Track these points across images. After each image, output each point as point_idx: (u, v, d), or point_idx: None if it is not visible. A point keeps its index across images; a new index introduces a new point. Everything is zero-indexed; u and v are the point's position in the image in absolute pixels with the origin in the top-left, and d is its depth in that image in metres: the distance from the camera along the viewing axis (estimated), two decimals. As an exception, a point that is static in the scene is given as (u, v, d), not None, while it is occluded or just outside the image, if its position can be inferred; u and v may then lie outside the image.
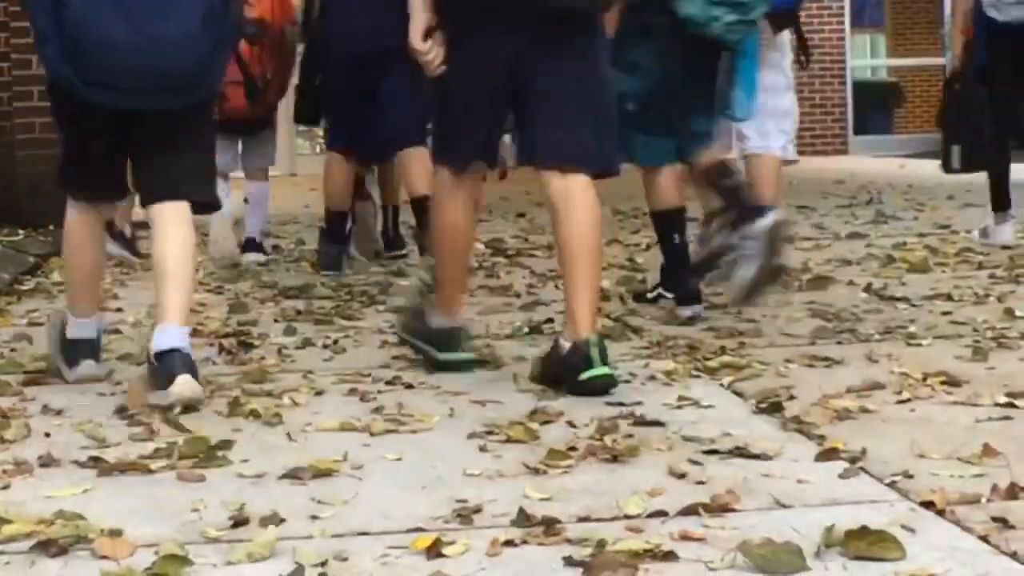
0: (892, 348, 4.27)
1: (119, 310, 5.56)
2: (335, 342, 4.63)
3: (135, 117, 3.82)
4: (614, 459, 3.04)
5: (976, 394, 3.59)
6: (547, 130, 3.93)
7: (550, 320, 4.88)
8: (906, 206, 9.43)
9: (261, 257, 7.13)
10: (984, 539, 2.45)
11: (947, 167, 7.28)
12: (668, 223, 5.08)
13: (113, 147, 3.92)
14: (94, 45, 3.61)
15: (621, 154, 4.34)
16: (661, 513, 2.63)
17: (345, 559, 2.42)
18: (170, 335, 3.73)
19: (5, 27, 9.50)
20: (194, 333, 4.83)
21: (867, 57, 19.73)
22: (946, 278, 5.83)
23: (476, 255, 6.98)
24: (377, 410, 3.61)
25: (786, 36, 5.88)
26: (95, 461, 3.12)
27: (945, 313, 4.92)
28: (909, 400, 3.57)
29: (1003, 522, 2.51)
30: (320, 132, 9.79)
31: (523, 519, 2.59)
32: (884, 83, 19.85)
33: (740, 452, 3.07)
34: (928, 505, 2.64)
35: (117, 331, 5.01)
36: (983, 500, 2.66)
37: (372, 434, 3.36)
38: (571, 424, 3.39)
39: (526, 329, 4.77)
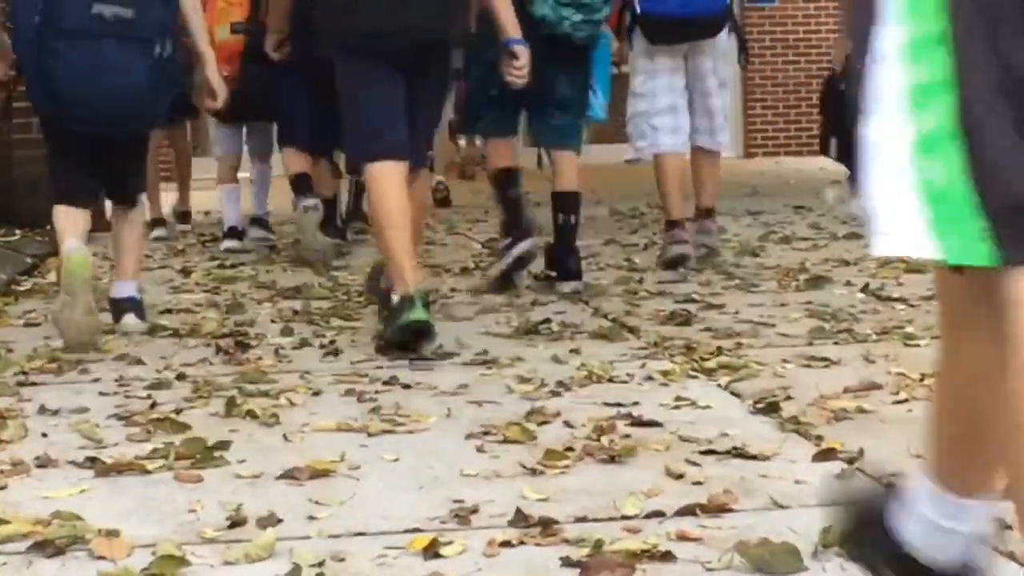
0: (889, 348, 4.28)
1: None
2: (332, 342, 4.63)
3: (103, 140, 4.94)
4: (611, 459, 3.04)
5: (973, 394, 3.58)
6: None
7: (547, 320, 4.88)
8: (903, 206, 9.41)
9: (268, 233, 7.67)
10: (981, 539, 2.44)
11: (824, 151, 8.81)
12: (506, 185, 5.75)
13: (88, 161, 4.98)
14: (68, 93, 4.72)
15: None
16: (658, 513, 2.63)
17: (342, 559, 2.42)
18: (126, 287, 5.12)
19: (3, 27, 9.49)
20: (191, 333, 4.87)
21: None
22: (943, 278, 5.82)
23: (473, 255, 7.01)
24: (374, 410, 3.61)
25: (722, 40, 6.33)
26: (92, 461, 3.12)
27: (942, 313, 4.91)
28: (906, 400, 3.57)
29: (1001, 522, 2.50)
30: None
31: (520, 519, 2.59)
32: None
33: (737, 452, 3.07)
34: (925, 505, 2.64)
35: (113, 331, 5.00)
36: (980, 500, 2.65)
37: (369, 434, 3.36)
38: (568, 424, 3.39)
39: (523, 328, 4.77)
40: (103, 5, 4.69)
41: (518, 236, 5.71)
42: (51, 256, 7.60)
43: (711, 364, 4.08)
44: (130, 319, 5.02)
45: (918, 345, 4.34)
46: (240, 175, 8.03)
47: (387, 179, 4.57)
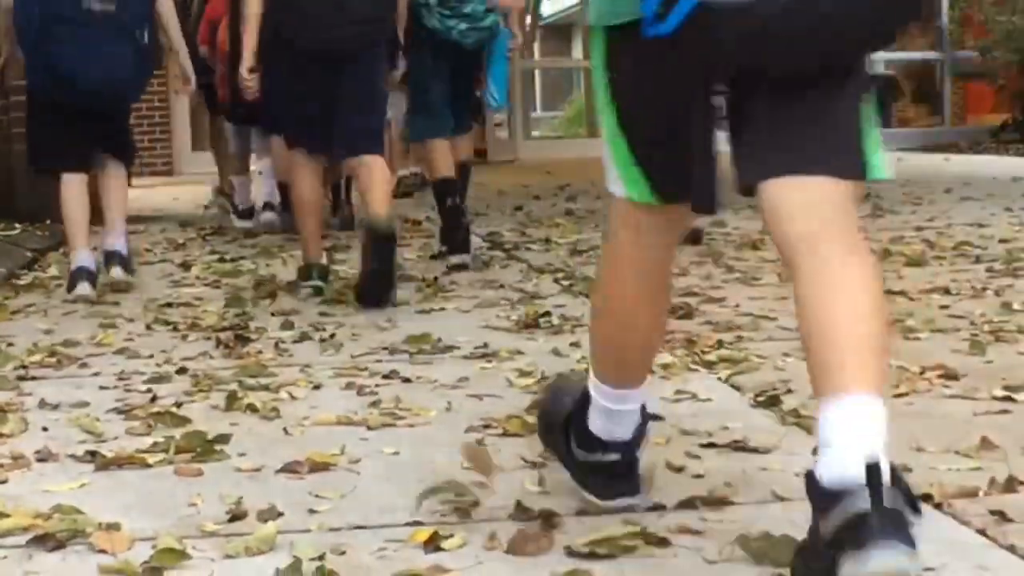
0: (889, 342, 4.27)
1: (116, 304, 5.56)
2: (332, 336, 4.63)
3: (91, 113, 5.81)
4: (612, 453, 3.03)
5: (974, 388, 3.59)
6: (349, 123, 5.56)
7: (547, 314, 4.88)
8: (903, 200, 9.43)
9: (277, 217, 8.25)
10: (982, 532, 2.45)
11: None
12: (443, 189, 6.50)
13: (79, 131, 5.84)
14: (65, 72, 5.63)
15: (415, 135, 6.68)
16: (659, 506, 2.63)
17: (343, 553, 2.42)
18: (113, 240, 5.94)
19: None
20: (191, 327, 4.87)
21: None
22: (943, 272, 5.84)
23: (473, 248, 7.01)
24: (374, 404, 3.61)
25: None
26: (92, 455, 3.12)
27: (943, 307, 4.92)
28: (907, 394, 3.57)
29: (1001, 515, 2.51)
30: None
31: (521, 513, 2.59)
32: (881, 77, 19.82)
33: (738, 445, 3.07)
34: (926, 498, 2.63)
35: (113, 325, 5.01)
36: (981, 493, 2.66)
37: (369, 428, 3.36)
38: (569, 418, 3.38)
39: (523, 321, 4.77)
40: (92, 1, 5.63)
41: (453, 248, 6.41)
42: (51, 250, 7.61)
43: (712, 357, 4.08)
44: (117, 271, 5.87)
45: (918, 338, 4.34)
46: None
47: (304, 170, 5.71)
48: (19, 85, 9.29)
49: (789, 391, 3.60)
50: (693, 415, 3.40)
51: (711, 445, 3.10)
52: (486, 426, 3.31)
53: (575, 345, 4.32)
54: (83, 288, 5.68)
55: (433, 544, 2.44)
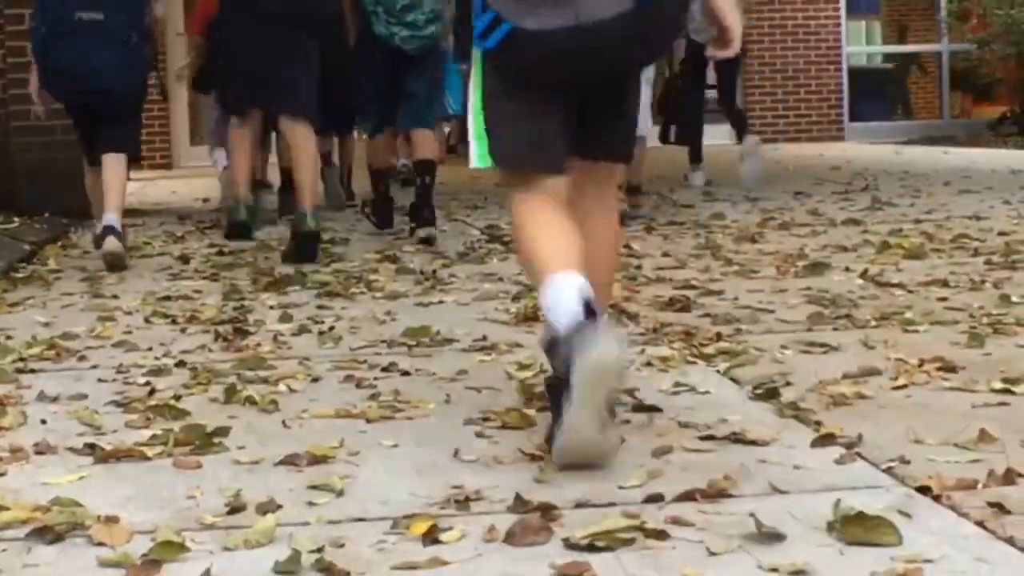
0: (888, 334, 4.28)
1: (115, 297, 5.57)
2: (331, 328, 4.63)
3: (93, 109, 6.82)
4: (610, 445, 3.04)
5: (972, 380, 3.59)
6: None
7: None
8: (902, 192, 9.43)
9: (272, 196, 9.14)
10: (980, 524, 2.45)
11: (664, 139, 10.41)
12: (379, 176, 7.56)
13: (91, 123, 6.92)
14: (64, 74, 6.72)
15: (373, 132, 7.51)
16: (658, 499, 2.63)
17: (342, 545, 2.42)
18: (110, 217, 6.58)
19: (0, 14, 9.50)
20: (190, 320, 4.87)
21: (863, 44, 19.72)
22: (942, 264, 5.84)
23: (472, 241, 7.01)
24: (373, 397, 3.61)
25: None
26: (91, 448, 3.12)
27: (941, 299, 4.92)
28: (905, 386, 3.57)
29: (999, 507, 2.51)
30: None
31: (520, 505, 2.59)
32: (880, 70, 19.83)
33: (737, 438, 3.07)
34: (924, 491, 2.64)
35: (112, 318, 5.01)
36: (979, 486, 2.66)
37: (368, 420, 3.36)
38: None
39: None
40: (82, 12, 6.62)
41: (419, 223, 7.15)
42: (50, 243, 7.61)
43: (710, 350, 4.08)
44: (111, 241, 6.51)
45: (917, 331, 4.34)
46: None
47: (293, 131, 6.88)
48: (19, 79, 9.32)
49: (788, 384, 3.60)
50: (691, 408, 3.40)
51: (709, 438, 3.10)
52: (485, 419, 3.31)
53: (574, 338, 4.31)
54: (110, 243, 6.49)
55: (432, 536, 2.44)
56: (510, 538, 2.43)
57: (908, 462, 2.84)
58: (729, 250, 6.49)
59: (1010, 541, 2.36)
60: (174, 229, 8.34)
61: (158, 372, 4.00)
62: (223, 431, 3.22)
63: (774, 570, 2.24)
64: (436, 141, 7.83)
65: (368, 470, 2.92)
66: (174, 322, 4.89)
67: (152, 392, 3.72)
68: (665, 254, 6.43)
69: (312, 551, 2.36)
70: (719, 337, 4.27)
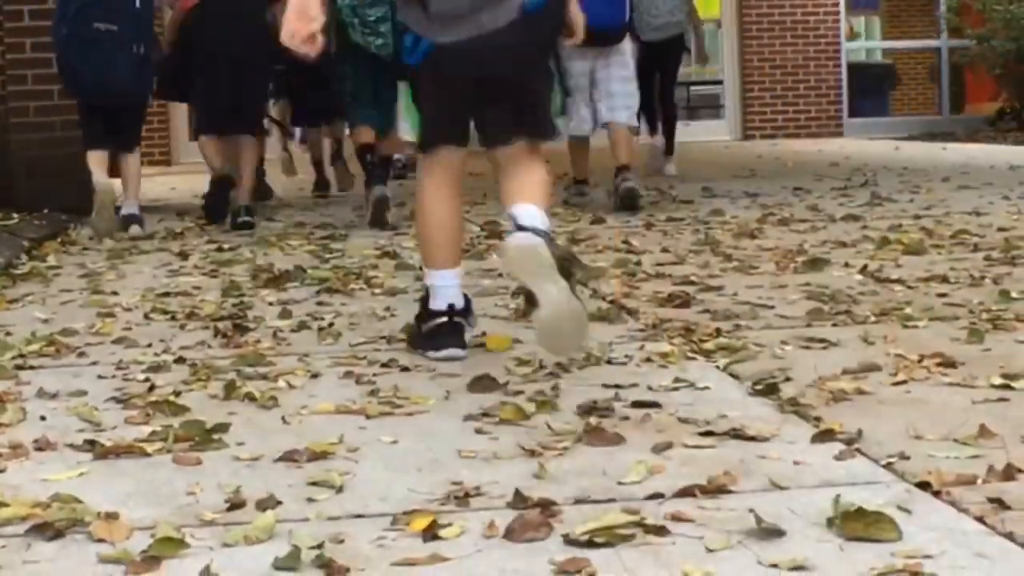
0: (888, 330, 4.27)
1: (115, 293, 5.57)
2: (331, 325, 4.63)
3: (105, 106, 7.99)
4: (610, 441, 3.04)
5: (972, 375, 3.59)
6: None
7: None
8: (901, 188, 9.43)
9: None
10: (980, 520, 2.45)
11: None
12: (364, 153, 8.26)
13: (100, 121, 8.03)
14: (83, 76, 7.83)
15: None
16: (657, 495, 2.63)
17: (341, 541, 2.42)
18: (131, 206, 7.98)
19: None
20: (189, 316, 4.87)
21: (862, 39, 19.72)
22: (941, 260, 5.84)
23: (470, 237, 7.01)
24: (373, 393, 3.61)
25: (627, 43, 8.83)
26: (91, 444, 3.12)
27: (941, 295, 4.92)
28: (905, 382, 3.57)
29: (999, 503, 2.51)
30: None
31: (519, 501, 2.59)
32: (879, 65, 19.84)
33: (736, 434, 3.07)
34: (924, 486, 2.64)
35: (111, 314, 5.01)
36: (979, 481, 2.66)
37: (368, 417, 3.36)
38: (567, 406, 3.38)
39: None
40: (99, 23, 7.69)
41: (368, 183, 8.16)
42: (49, 239, 7.61)
43: (710, 346, 4.08)
44: (135, 228, 7.77)
45: (916, 326, 4.34)
46: None
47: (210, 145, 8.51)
48: (18, 76, 9.33)
49: (787, 379, 3.60)
50: (691, 403, 3.40)
51: (709, 433, 3.10)
52: (485, 414, 3.31)
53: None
54: (134, 231, 7.72)
55: (431, 532, 2.44)
56: (510, 534, 2.43)
57: (908, 458, 2.85)
58: (728, 246, 6.49)
59: (1010, 537, 2.36)
60: (173, 225, 8.34)
61: (157, 368, 4.00)
62: (223, 427, 3.22)
63: (774, 566, 2.25)
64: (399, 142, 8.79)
65: (368, 466, 2.92)
66: (173, 318, 4.89)
67: (151, 388, 3.72)
68: (664, 250, 6.43)
69: (312, 547, 2.36)
70: (719, 333, 4.27)
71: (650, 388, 3.57)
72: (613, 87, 8.62)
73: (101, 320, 4.86)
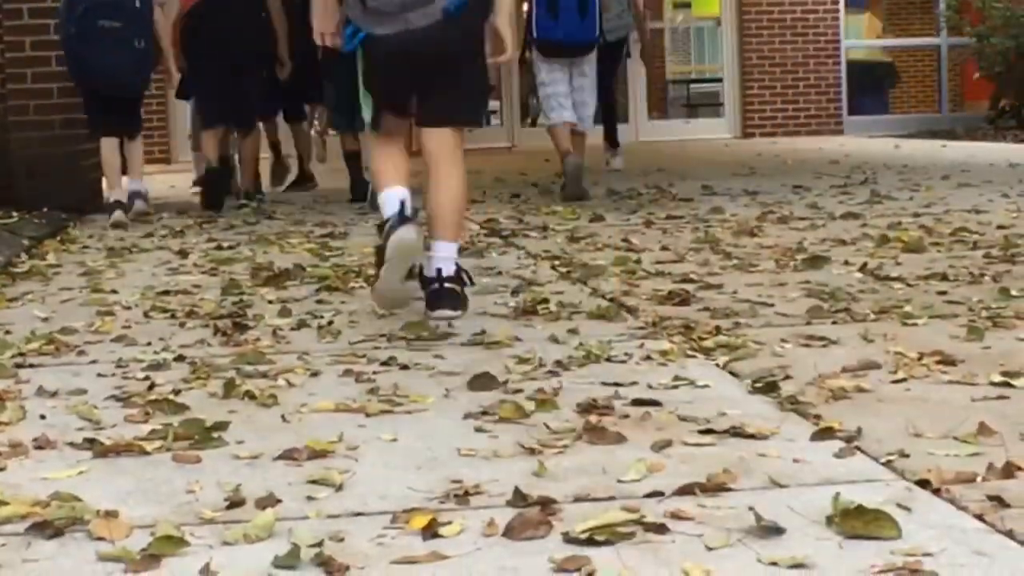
0: (887, 328, 4.28)
1: (114, 291, 5.56)
2: (330, 323, 4.63)
3: (110, 96, 8.60)
4: (610, 439, 3.04)
5: (972, 373, 3.59)
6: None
7: (545, 300, 4.88)
8: (901, 186, 9.43)
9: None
10: (980, 518, 2.45)
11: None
12: (348, 157, 9.36)
13: (109, 110, 8.63)
14: (90, 69, 8.42)
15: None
16: (657, 493, 2.63)
17: (341, 539, 2.42)
18: (135, 184, 8.76)
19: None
20: (189, 314, 4.87)
21: (861, 37, 19.73)
22: (941, 258, 5.84)
23: (470, 235, 7.01)
24: (372, 391, 3.61)
25: (592, 57, 9.55)
26: (90, 443, 3.11)
27: (940, 293, 4.92)
28: (905, 379, 3.57)
29: (999, 501, 2.51)
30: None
31: (519, 499, 2.59)
32: (879, 63, 19.83)
33: (736, 432, 3.07)
34: (924, 484, 2.64)
35: (111, 313, 5.01)
36: (979, 479, 2.66)
37: (368, 415, 3.36)
38: (567, 404, 3.39)
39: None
40: (103, 20, 8.30)
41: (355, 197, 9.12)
42: (48, 238, 7.61)
43: (709, 344, 4.08)
44: (139, 204, 8.66)
45: (916, 324, 4.34)
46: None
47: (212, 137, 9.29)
48: (17, 74, 9.33)
49: (787, 377, 3.60)
50: (690, 401, 3.40)
51: (709, 431, 3.10)
52: (484, 412, 3.31)
53: (573, 332, 4.32)
54: (117, 215, 8.21)
55: (431, 530, 2.44)
56: (509, 532, 2.43)
57: (907, 455, 2.85)
58: (728, 244, 6.49)
59: (1009, 534, 2.36)
60: (173, 224, 8.34)
61: (157, 367, 4.00)
62: (222, 425, 3.22)
63: (773, 563, 2.25)
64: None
65: (367, 464, 2.92)
66: (173, 317, 4.89)
67: (151, 387, 3.72)
68: (664, 248, 6.43)
69: (311, 545, 2.36)
70: (718, 331, 4.27)
71: (650, 386, 3.57)
72: (586, 96, 9.55)
73: (101, 318, 4.86)
